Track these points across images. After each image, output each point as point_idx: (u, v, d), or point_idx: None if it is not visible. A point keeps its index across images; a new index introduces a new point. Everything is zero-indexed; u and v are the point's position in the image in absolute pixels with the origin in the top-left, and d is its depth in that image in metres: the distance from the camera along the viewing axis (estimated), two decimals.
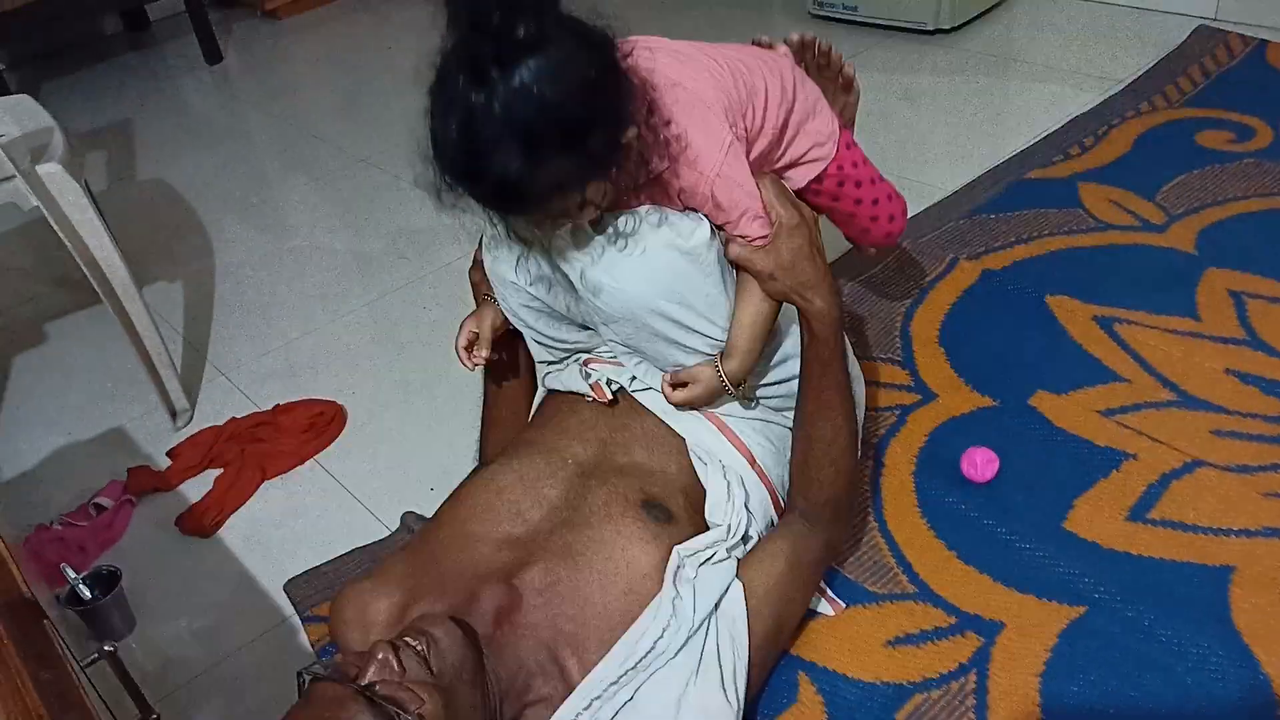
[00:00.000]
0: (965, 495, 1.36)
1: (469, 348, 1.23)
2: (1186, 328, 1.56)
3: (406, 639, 0.91)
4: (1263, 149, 1.94)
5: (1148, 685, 1.11)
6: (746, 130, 1.10)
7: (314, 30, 3.45)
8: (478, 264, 1.27)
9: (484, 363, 1.23)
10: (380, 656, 0.87)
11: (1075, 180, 1.93)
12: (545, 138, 0.90)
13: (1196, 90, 2.16)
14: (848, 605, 1.24)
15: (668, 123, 1.02)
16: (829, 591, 1.24)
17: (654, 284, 1.06)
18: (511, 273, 1.15)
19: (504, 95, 0.87)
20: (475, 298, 1.29)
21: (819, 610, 1.23)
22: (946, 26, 2.57)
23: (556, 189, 0.94)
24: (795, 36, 1.35)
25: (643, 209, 1.08)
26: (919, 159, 2.13)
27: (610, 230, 1.06)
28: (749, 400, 1.23)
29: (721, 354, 1.14)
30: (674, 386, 1.16)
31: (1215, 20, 2.40)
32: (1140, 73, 2.26)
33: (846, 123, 1.37)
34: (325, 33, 3.41)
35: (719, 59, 1.10)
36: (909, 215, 1.81)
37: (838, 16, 2.73)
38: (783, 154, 1.21)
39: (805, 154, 1.22)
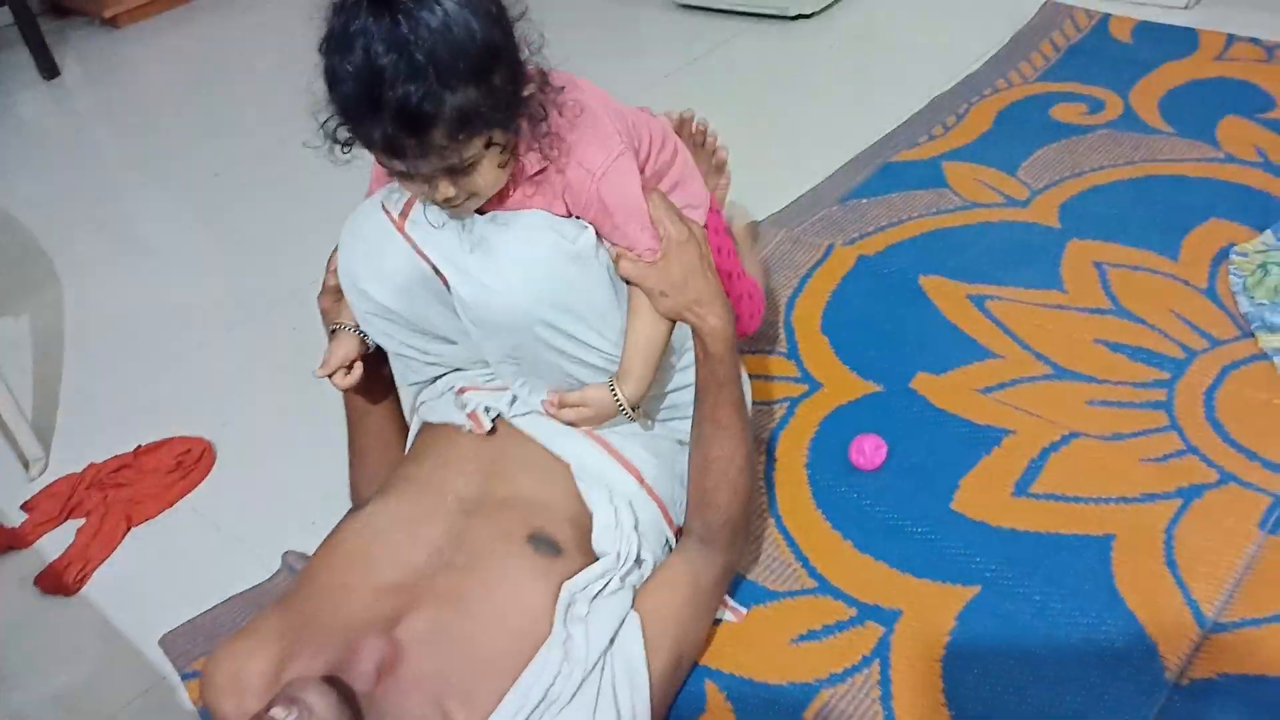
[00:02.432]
0: (857, 483, 1.37)
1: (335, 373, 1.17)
2: (1054, 300, 1.60)
3: (274, 712, 0.85)
4: (1114, 119, 2.01)
5: (1044, 659, 1.13)
6: (635, 153, 1.08)
7: (157, 38, 3.26)
8: (328, 290, 1.21)
9: (354, 383, 1.18)
10: None
11: (940, 160, 1.97)
12: (453, 62, 0.88)
13: (1048, 65, 2.23)
14: (749, 606, 1.23)
15: (569, 116, 1.01)
16: (730, 600, 1.22)
17: (539, 290, 1.02)
18: (370, 282, 1.09)
19: (413, 20, 0.86)
20: (325, 326, 1.22)
21: (722, 619, 1.22)
22: (808, 11, 2.59)
23: (462, 123, 0.90)
24: (675, 113, 1.39)
25: (529, 212, 1.05)
26: (791, 145, 2.14)
27: (494, 229, 1.03)
28: (647, 421, 1.21)
29: (615, 376, 1.11)
30: (561, 405, 1.12)
31: None
32: (996, 49, 2.32)
33: (718, 204, 1.38)
34: (169, 40, 3.24)
35: (609, 99, 1.10)
36: (782, 210, 1.84)
37: (701, 4, 2.73)
38: None
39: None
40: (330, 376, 1.18)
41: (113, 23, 3.31)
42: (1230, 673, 1.09)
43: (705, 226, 1.24)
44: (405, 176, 0.98)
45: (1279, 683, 1.07)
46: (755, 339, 1.63)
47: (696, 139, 1.46)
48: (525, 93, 0.96)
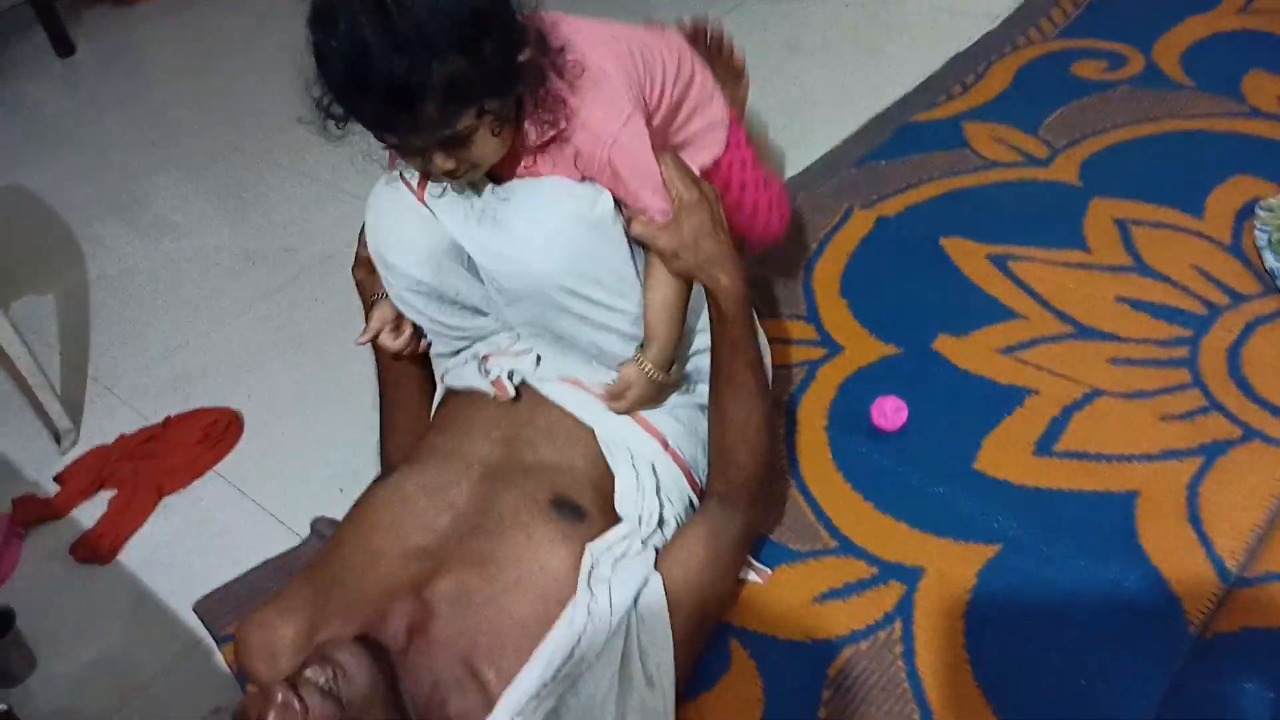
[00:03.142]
0: (878, 445, 1.38)
1: (383, 331, 1.20)
2: (1077, 259, 1.59)
3: (307, 673, 0.87)
4: (1135, 75, 1.98)
5: (1066, 615, 1.14)
6: (645, 103, 1.08)
7: (172, 16, 3.26)
8: (361, 261, 1.22)
9: (405, 342, 1.21)
10: (280, 699, 0.83)
11: (959, 120, 1.95)
12: (439, 31, 0.87)
13: (1069, 21, 2.20)
14: (772, 566, 1.25)
15: (569, 78, 1.00)
16: (755, 562, 1.23)
17: (560, 256, 1.03)
18: (396, 255, 1.10)
19: None
20: (363, 299, 1.24)
21: (746, 579, 1.23)
22: None
23: (451, 95, 0.90)
24: (688, 22, 1.35)
25: (545, 179, 1.05)
26: (808, 111, 2.13)
27: (511, 196, 1.03)
28: (686, 386, 1.22)
29: (640, 346, 1.13)
30: (613, 399, 1.14)
31: None
32: (1015, 7, 2.29)
33: (738, 113, 1.36)
34: (184, 18, 3.24)
35: (618, 34, 1.09)
36: (800, 174, 1.83)
37: None
38: (678, 131, 1.19)
39: (699, 135, 1.21)
40: (376, 340, 1.19)
41: (127, 1, 3.32)
42: (1254, 626, 1.09)
43: (727, 144, 1.24)
44: (400, 151, 0.98)
45: None
46: (776, 303, 1.63)
47: (713, 47, 1.44)
48: (521, 58, 0.95)
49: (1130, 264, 1.57)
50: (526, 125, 1.01)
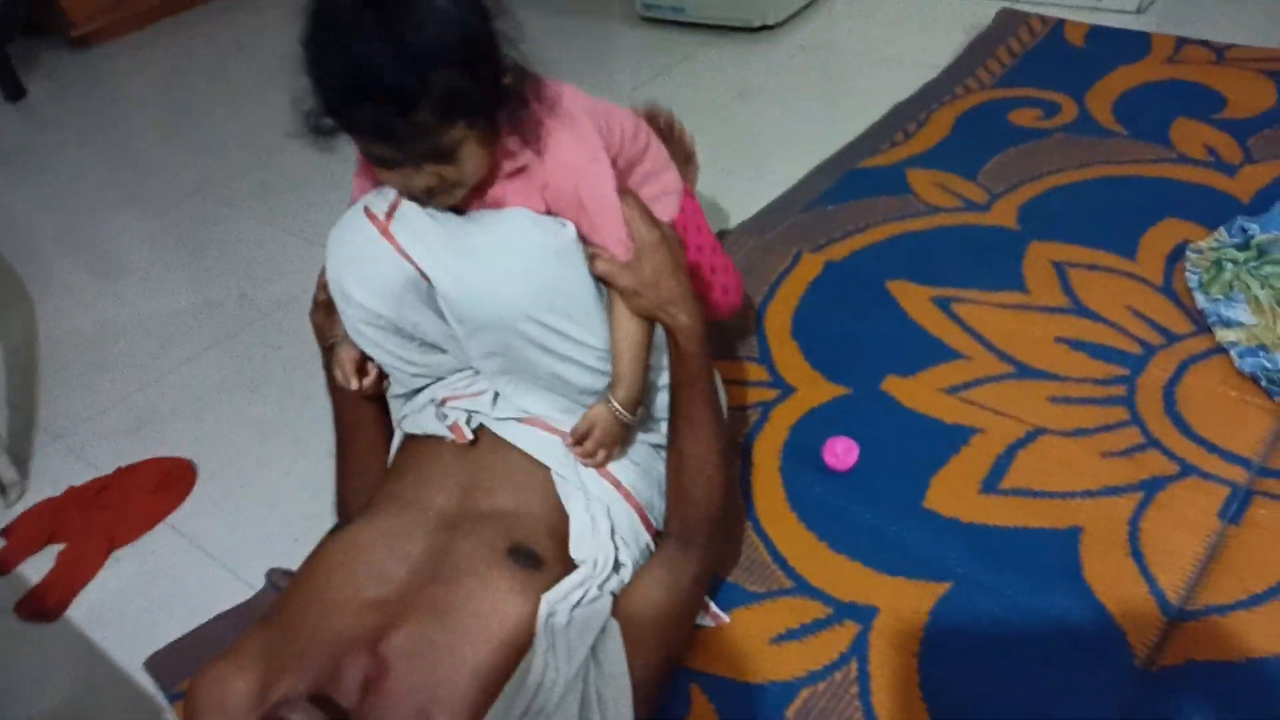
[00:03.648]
0: (830, 485, 1.40)
1: (356, 372, 1.21)
2: (1017, 301, 1.65)
3: None
4: (1069, 123, 2.06)
5: (1016, 651, 1.16)
6: (607, 147, 1.12)
7: (129, 56, 3.26)
8: (319, 305, 1.23)
9: (374, 380, 1.22)
10: None
11: (903, 166, 2.01)
12: (440, 44, 0.93)
13: (1005, 70, 2.28)
14: (729, 608, 1.26)
15: (547, 106, 1.05)
16: (712, 605, 1.25)
17: (527, 284, 1.05)
18: (355, 287, 1.11)
19: (404, 8, 0.91)
20: (320, 342, 1.24)
21: (703, 624, 1.24)
22: (772, 22, 2.63)
23: (448, 103, 0.95)
24: (642, 107, 1.42)
25: (510, 209, 1.07)
26: (759, 156, 2.18)
27: (478, 226, 1.05)
28: (646, 426, 1.23)
29: (608, 387, 1.15)
30: (578, 443, 1.16)
31: (1017, 3, 2.54)
32: (954, 57, 2.37)
33: (690, 190, 1.43)
34: (141, 59, 3.23)
35: (577, 94, 1.14)
36: (750, 219, 1.88)
37: (666, 18, 2.76)
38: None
39: (654, 199, 1.25)
40: (336, 382, 1.22)
41: (81, 42, 3.30)
42: (1197, 659, 1.13)
43: (681, 209, 1.28)
44: (388, 165, 1.00)
45: (1244, 668, 1.11)
46: (730, 345, 1.66)
47: (665, 131, 1.49)
48: (505, 81, 1.01)
49: (1068, 305, 1.62)
50: (504, 147, 1.05)
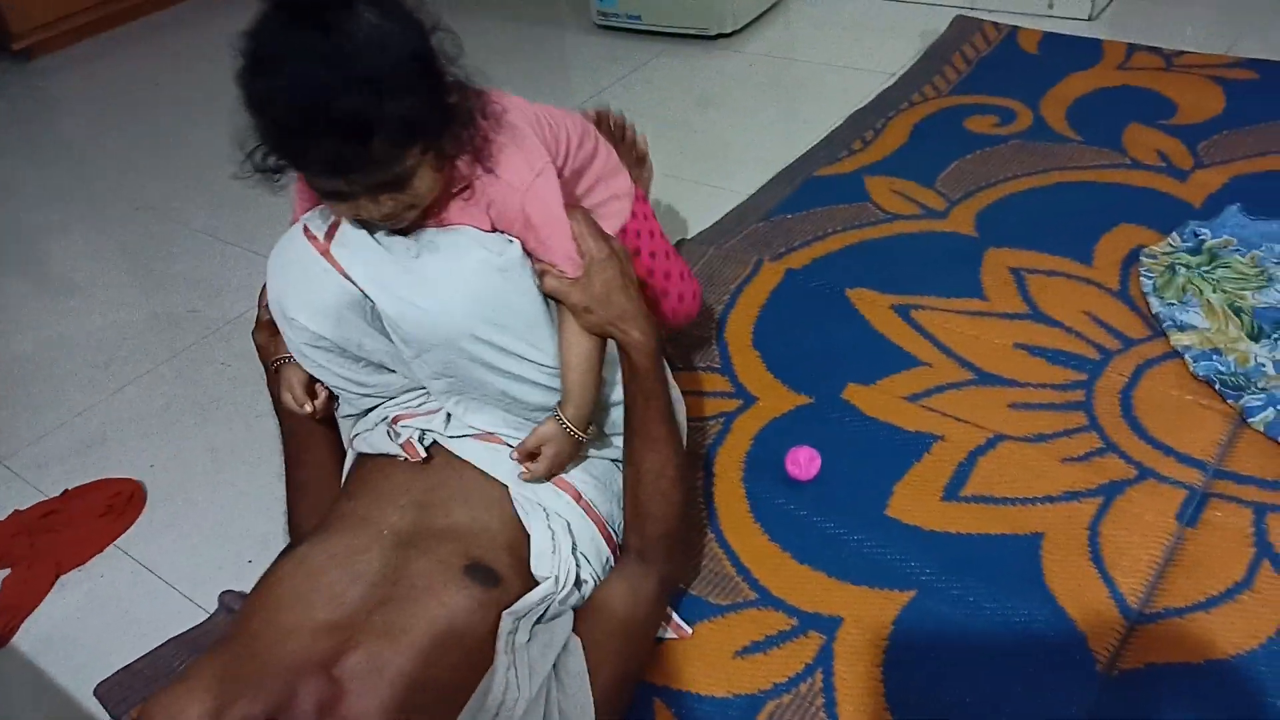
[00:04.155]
0: (793, 495, 1.40)
1: (307, 394, 1.19)
2: (975, 308, 1.65)
3: None
4: (1024, 130, 2.08)
5: (980, 658, 1.16)
6: (554, 158, 1.10)
7: (73, 69, 3.19)
8: (262, 325, 1.20)
9: (325, 403, 1.20)
10: None
11: (861, 174, 2.01)
12: (388, 71, 0.90)
13: (961, 78, 2.30)
14: (693, 622, 1.25)
15: (492, 122, 1.03)
16: (675, 617, 1.24)
17: (470, 303, 1.03)
18: (296, 309, 1.09)
19: (343, 36, 0.87)
20: (264, 363, 1.21)
21: (664, 637, 1.23)
22: (728, 30, 2.64)
23: (403, 131, 0.92)
24: (591, 111, 1.41)
25: (452, 228, 1.06)
26: (718, 164, 2.18)
27: (420, 246, 1.03)
28: (599, 443, 1.22)
29: (558, 404, 1.13)
30: (528, 459, 1.14)
31: (972, 9, 2.56)
32: (910, 64, 2.39)
33: (643, 194, 1.41)
34: (86, 71, 3.17)
35: (524, 104, 1.12)
36: (710, 228, 1.87)
37: (622, 26, 2.76)
38: (583, 198, 1.21)
39: (604, 204, 1.24)
40: (284, 405, 1.19)
41: (25, 55, 3.23)
42: (1157, 662, 1.13)
43: (633, 215, 1.27)
44: (340, 197, 0.98)
45: (1203, 669, 1.12)
46: (690, 356, 1.65)
47: (616, 134, 1.48)
48: (452, 100, 0.98)
49: (1026, 311, 1.63)
50: (453, 166, 1.03)
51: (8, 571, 1.48)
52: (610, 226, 1.24)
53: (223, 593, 1.38)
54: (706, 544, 1.35)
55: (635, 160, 1.52)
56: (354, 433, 1.24)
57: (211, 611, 1.37)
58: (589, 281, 1.09)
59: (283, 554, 1.12)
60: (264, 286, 1.15)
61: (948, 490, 1.36)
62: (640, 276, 1.29)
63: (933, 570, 1.26)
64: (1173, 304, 1.56)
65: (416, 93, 0.92)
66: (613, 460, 1.25)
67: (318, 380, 1.18)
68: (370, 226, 1.07)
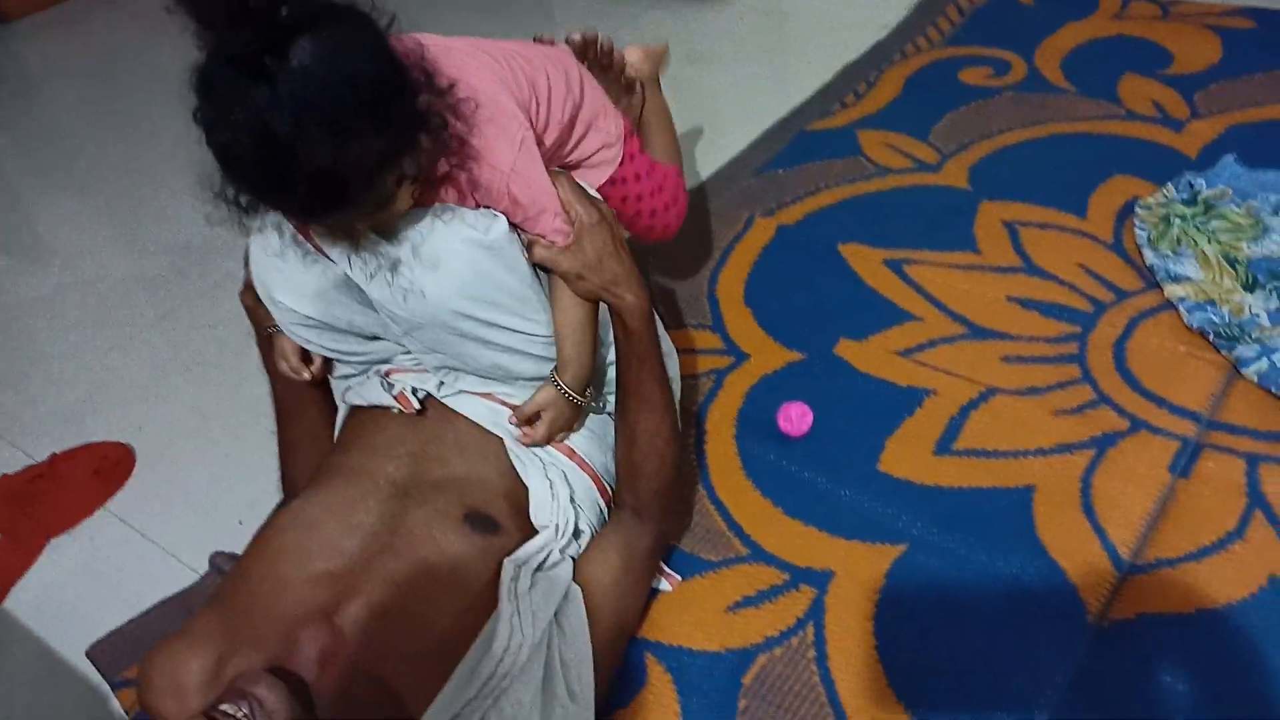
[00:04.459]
0: (785, 451, 1.39)
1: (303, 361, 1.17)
2: (968, 261, 1.64)
3: (224, 708, 0.83)
4: (1019, 81, 2.05)
5: (971, 611, 1.16)
6: (533, 125, 1.07)
7: (53, 31, 3.14)
8: (249, 287, 1.18)
9: (319, 369, 1.18)
10: None
11: (853, 128, 1.99)
12: (347, 116, 0.84)
13: (954, 30, 2.27)
14: (685, 578, 1.25)
15: (464, 115, 0.98)
16: (664, 567, 1.23)
17: (455, 283, 1.02)
18: (281, 293, 1.07)
19: (290, 82, 0.80)
20: (254, 325, 1.20)
21: (658, 588, 1.23)
22: None
23: (373, 170, 0.88)
24: (576, 35, 1.32)
25: (436, 207, 1.04)
26: (709, 121, 2.15)
27: (404, 228, 1.01)
28: (597, 406, 1.21)
29: (554, 369, 1.12)
30: (527, 425, 1.12)
31: None
32: (904, 16, 2.35)
33: (632, 124, 1.36)
34: (67, 34, 3.12)
35: (496, 54, 1.06)
36: (703, 179, 1.84)
37: None
38: (572, 151, 1.18)
39: (595, 153, 1.21)
40: (278, 370, 1.18)
41: (2, 17, 3.18)
42: (1148, 612, 1.13)
43: (623, 155, 1.23)
44: (323, 226, 0.97)
45: (1194, 619, 1.12)
46: (681, 313, 1.64)
47: (603, 60, 1.42)
48: (419, 107, 0.92)
49: (1019, 264, 1.62)
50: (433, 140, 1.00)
51: None
52: (602, 175, 1.21)
53: (213, 554, 1.37)
54: (698, 500, 1.35)
55: (624, 87, 1.47)
56: (346, 385, 1.23)
57: (203, 572, 1.37)
58: (579, 248, 1.07)
59: (278, 508, 1.12)
60: (247, 246, 1.13)
61: (939, 445, 1.35)
62: (631, 215, 1.27)
63: (924, 524, 1.26)
64: (1167, 255, 1.55)
65: (383, 126, 0.87)
66: (607, 414, 1.24)
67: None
68: None
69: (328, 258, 1.04)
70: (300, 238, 1.05)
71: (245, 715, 0.84)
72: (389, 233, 1.01)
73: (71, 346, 1.83)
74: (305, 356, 1.18)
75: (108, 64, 2.91)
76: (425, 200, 1.04)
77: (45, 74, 2.97)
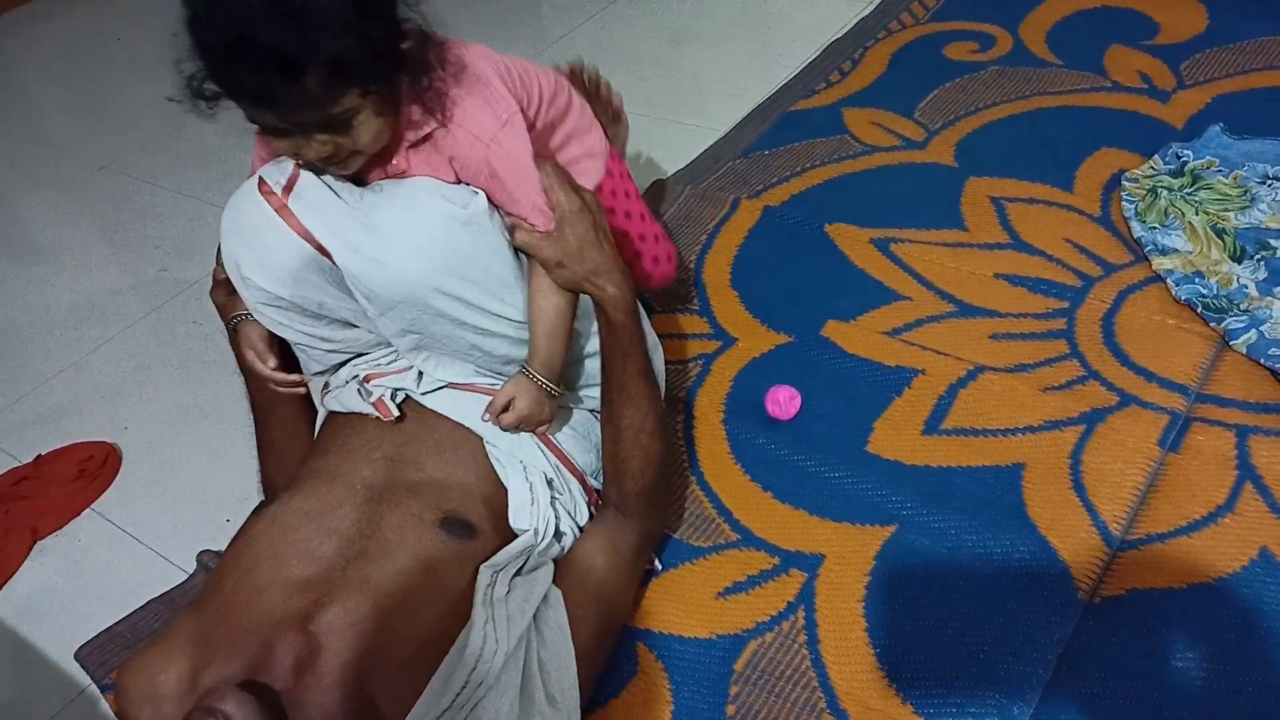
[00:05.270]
0: (774, 434, 1.38)
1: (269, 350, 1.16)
2: (956, 239, 1.63)
3: None
4: (1004, 55, 2.04)
5: (961, 590, 1.16)
6: (524, 113, 1.06)
7: (29, 27, 3.10)
8: (219, 283, 1.17)
9: (278, 371, 1.16)
10: None
11: (839, 106, 1.97)
12: (328, 7, 0.86)
13: (939, 5, 2.24)
14: (675, 564, 1.24)
15: (452, 73, 0.99)
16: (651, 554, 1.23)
17: (432, 258, 1.00)
18: (250, 269, 1.05)
19: None
20: (224, 321, 1.18)
21: (651, 570, 1.22)
22: None
23: (336, 71, 0.88)
24: (565, 65, 1.36)
25: (415, 179, 1.02)
26: (694, 101, 2.13)
27: (381, 199, 1.00)
28: (573, 398, 1.20)
29: (526, 359, 1.11)
30: (501, 413, 1.11)
31: None
32: None
33: (619, 153, 1.37)
34: (42, 29, 3.08)
35: (491, 54, 1.08)
36: (687, 166, 1.84)
37: None
38: (555, 154, 1.17)
39: (577, 160, 1.20)
40: (248, 365, 1.16)
41: None
42: (1139, 588, 1.13)
43: (608, 173, 1.24)
44: (278, 133, 0.95)
45: (1184, 594, 1.12)
46: (666, 297, 1.63)
47: (590, 90, 1.44)
48: (404, 45, 0.94)
49: (1007, 240, 1.60)
50: (407, 116, 0.99)
51: None
52: (585, 184, 1.20)
53: (201, 552, 1.36)
54: (687, 487, 1.34)
55: (610, 117, 1.49)
56: (324, 391, 1.22)
57: (191, 571, 1.36)
58: (561, 235, 1.06)
59: (254, 513, 1.10)
60: (220, 245, 1.12)
61: (928, 424, 1.35)
62: (620, 235, 1.26)
63: (913, 505, 1.25)
64: (1155, 228, 1.54)
65: (357, 33, 0.88)
66: (591, 411, 1.23)
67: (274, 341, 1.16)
68: (330, 179, 1.03)
69: (304, 235, 1.03)
70: (275, 211, 1.03)
71: None
72: (353, 166, 1.00)
73: (56, 346, 1.81)
74: (271, 346, 1.16)
75: (84, 58, 2.88)
76: (403, 170, 1.03)
77: (22, 69, 2.93)
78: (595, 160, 1.24)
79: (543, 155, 1.13)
